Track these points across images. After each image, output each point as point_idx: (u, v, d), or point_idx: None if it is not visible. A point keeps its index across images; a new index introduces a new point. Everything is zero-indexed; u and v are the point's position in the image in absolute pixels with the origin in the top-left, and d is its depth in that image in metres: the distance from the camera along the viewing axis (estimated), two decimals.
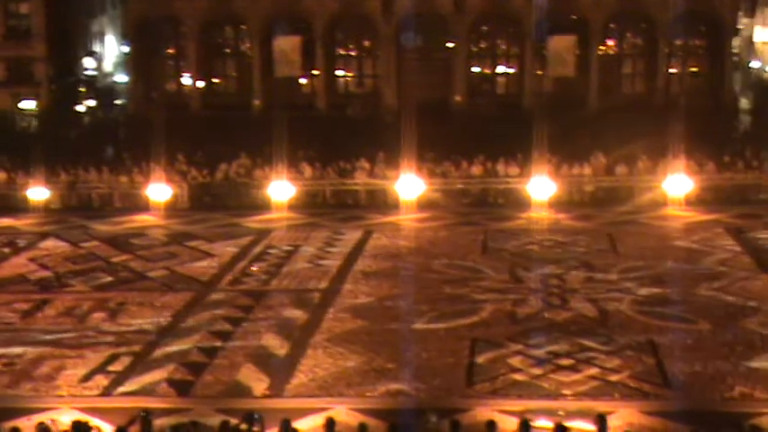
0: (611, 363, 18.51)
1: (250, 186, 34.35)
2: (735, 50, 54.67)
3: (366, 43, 53.48)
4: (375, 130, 39.53)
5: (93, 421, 15.64)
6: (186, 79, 52.44)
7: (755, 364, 18.31)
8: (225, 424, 14.23)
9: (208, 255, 27.65)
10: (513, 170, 33.98)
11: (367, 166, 34.64)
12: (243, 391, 17.79)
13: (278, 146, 34.06)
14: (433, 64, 52.78)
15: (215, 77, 53.92)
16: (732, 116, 48.96)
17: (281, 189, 32.65)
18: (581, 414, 15.67)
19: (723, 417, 15.41)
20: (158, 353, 19.75)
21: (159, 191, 32.85)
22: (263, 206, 32.89)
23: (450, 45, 51.58)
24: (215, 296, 23.79)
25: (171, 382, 18.17)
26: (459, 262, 26.27)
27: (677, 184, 31.57)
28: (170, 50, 53.44)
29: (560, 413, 15.93)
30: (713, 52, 51.57)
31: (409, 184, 32.05)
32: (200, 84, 51.81)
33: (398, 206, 32.15)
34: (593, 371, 18.15)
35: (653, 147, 33.84)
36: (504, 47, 53.61)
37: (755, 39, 63.56)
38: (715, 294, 22.78)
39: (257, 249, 28.22)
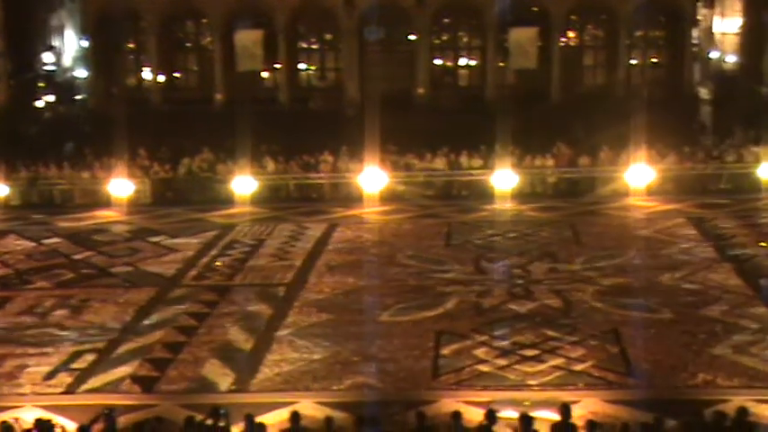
0: (576, 353, 18.61)
1: (213, 181, 34.20)
2: (694, 41, 55.11)
3: (328, 36, 53.33)
4: (338, 123, 39.47)
5: (57, 419, 15.52)
6: (147, 74, 52.06)
7: (717, 351, 18.50)
8: (190, 420, 14.16)
9: (171, 250, 27.49)
10: (477, 162, 34.08)
11: (330, 159, 34.60)
12: (208, 386, 17.73)
13: (240, 140, 33.97)
14: (396, 57, 52.75)
15: (176, 72, 53.58)
16: (692, 106, 49.33)
17: (244, 183, 32.55)
18: (546, 404, 15.75)
19: (686, 404, 15.55)
20: (122, 349, 19.62)
21: (121, 186, 32.64)
22: (227, 201, 32.76)
23: (413, 38, 51.60)
24: (179, 292, 23.66)
25: (135, 378, 18.07)
26: (424, 254, 26.31)
27: (639, 174, 31.80)
28: (130, 45, 52.99)
29: (526, 403, 16.01)
30: (673, 43, 51.91)
31: (373, 177, 32.07)
32: (161, 78, 51.45)
33: (362, 199, 32.16)
34: (558, 361, 18.25)
35: (615, 138, 34.04)
36: (465, 39, 53.71)
37: (715, 29, 64.13)
38: (677, 283, 22.97)
39: (221, 244, 28.10)
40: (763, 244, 26.28)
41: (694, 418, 13.86)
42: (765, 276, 23.21)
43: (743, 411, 13.60)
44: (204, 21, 52.10)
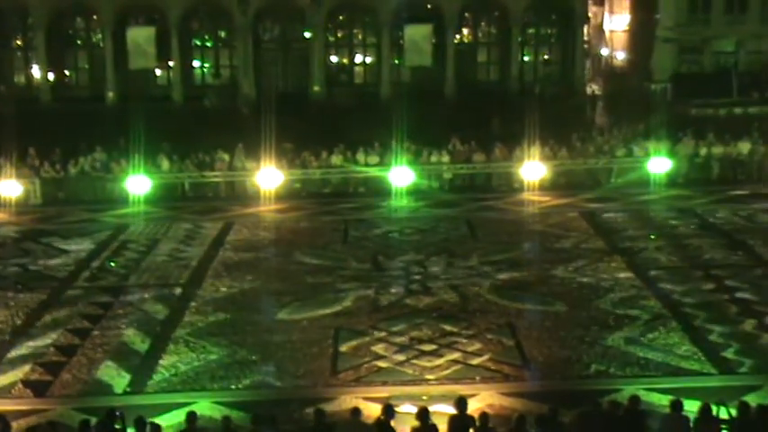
0: (473, 346, 18.81)
1: (106, 180, 33.62)
2: (585, 38, 56.27)
3: (222, 34, 53.04)
4: (233, 121, 39.23)
5: None
6: (36, 72, 50.98)
7: (609, 342, 18.89)
8: (84, 423, 13.87)
9: (63, 251, 26.92)
10: (373, 159, 34.19)
11: (226, 157, 34.32)
12: (103, 388, 17.42)
13: (134, 139, 33.49)
14: (291, 54, 52.73)
15: (66, 69, 52.61)
16: (583, 102, 50.37)
17: (137, 183, 32.06)
18: (444, 398, 15.88)
19: (580, 395, 15.81)
20: (13, 354, 19.11)
21: (10, 187, 31.79)
22: (120, 200, 32.23)
23: (308, 35, 51.56)
24: (72, 293, 23.16)
25: (27, 382, 17.64)
26: (321, 252, 26.29)
27: (532, 169, 32.28)
28: (18, 42, 51.88)
29: (424, 398, 16.12)
30: (565, 40, 53.02)
31: (269, 175, 31.90)
32: (51, 76, 50.44)
33: (258, 197, 31.96)
34: (455, 355, 18.41)
35: (508, 134, 34.53)
36: (361, 36, 53.94)
37: (605, 27, 65.55)
38: (570, 276, 23.38)
39: (115, 245, 27.63)
40: (652, 236, 26.94)
41: (588, 408, 14.09)
42: None
43: (635, 400, 13.91)
44: (94, 17, 51.29)
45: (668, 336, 19.17)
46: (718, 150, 34.61)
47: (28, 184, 32.67)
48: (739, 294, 21.53)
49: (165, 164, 34.01)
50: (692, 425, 13.41)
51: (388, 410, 13.73)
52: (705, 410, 13.39)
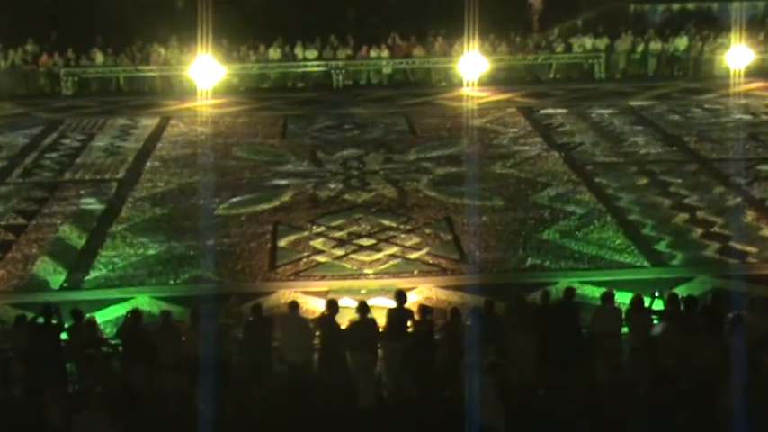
0: (411, 241, 18.93)
1: (38, 74, 32.91)
2: None
3: None
4: (168, 13, 38.28)
5: None
6: None
7: (545, 236, 19.12)
8: (20, 318, 13.79)
9: None
10: (312, 53, 33.83)
11: (162, 51, 33.72)
12: (39, 284, 17.30)
13: (67, 31, 32.68)
14: None
15: None
16: None
17: (71, 76, 31.44)
18: (383, 291, 16.04)
19: (517, 288, 15.98)
20: None
21: None
22: (53, 94, 31.65)
23: None
24: (5, 189, 22.83)
25: None
26: (260, 147, 26.13)
27: (472, 63, 32.11)
28: None
29: (363, 291, 16.26)
30: None
31: (206, 70, 31.34)
32: None
33: (195, 92, 31.50)
34: (394, 249, 18.53)
35: (448, 28, 34.23)
36: None
37: None
38: (508, 172, 23.51)
39: (49, 140, 27.17)
40: (589, 132, 27.12)
41: (518, 302, 14.18)
42: None
43: (569, 292, 14.04)
44: None
45: (603, 230, 19.42)
46: (656, 46, 34.77)
47: None
48: (672, 189, 21.85)
49: (100, 57, 33.37)
50: (623, 316, 13.68)
51: (332, 306, 13.77)
52: (637, 302, 13.65)
